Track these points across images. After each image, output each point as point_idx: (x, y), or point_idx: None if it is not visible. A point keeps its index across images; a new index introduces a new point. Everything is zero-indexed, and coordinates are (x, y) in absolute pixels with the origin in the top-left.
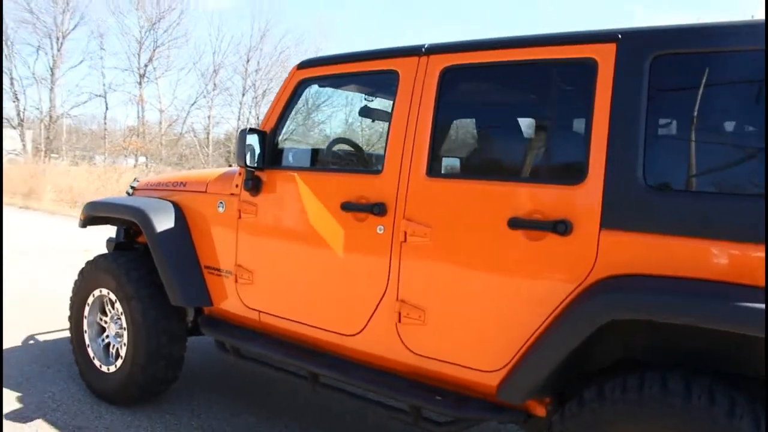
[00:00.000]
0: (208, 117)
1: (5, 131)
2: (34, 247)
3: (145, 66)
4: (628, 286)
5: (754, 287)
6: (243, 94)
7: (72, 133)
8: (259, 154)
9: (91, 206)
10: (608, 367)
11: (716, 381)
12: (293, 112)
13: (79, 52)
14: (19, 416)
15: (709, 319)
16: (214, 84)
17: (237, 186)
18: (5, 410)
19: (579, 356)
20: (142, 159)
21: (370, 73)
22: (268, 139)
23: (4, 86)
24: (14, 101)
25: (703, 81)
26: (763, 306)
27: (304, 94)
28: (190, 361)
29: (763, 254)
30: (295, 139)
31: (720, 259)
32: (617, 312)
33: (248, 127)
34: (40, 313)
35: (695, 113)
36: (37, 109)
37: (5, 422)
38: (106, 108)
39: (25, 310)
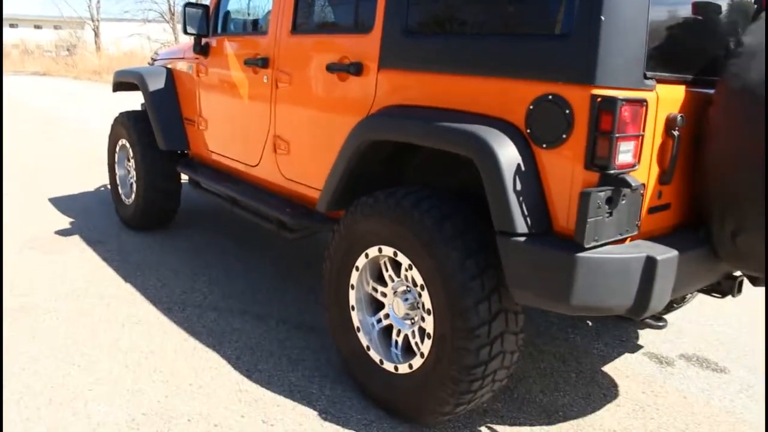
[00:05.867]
0: None
1: (159, 25)
2: None
3: None
4: (381, 114)
5: (470, 113)
6: None
7: None
8: (202, 24)
9: (116, 74)
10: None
11: (436, 194)
12: None
13: None
14: (64, 233)
15: (425, 138)
16: None
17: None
18: (58, 228)
19: (373, 176)
20: None
21: None
22: (212, 11)
23: None
24: None
25: None
26: (463, 125)
27: None
28: (195, 209)
29: (484, 84)
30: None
31: (451, 89)
32: (369, 135)
33: (189, 1)
34: None
35: None
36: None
37: (52, 236)
38: None
39: None
